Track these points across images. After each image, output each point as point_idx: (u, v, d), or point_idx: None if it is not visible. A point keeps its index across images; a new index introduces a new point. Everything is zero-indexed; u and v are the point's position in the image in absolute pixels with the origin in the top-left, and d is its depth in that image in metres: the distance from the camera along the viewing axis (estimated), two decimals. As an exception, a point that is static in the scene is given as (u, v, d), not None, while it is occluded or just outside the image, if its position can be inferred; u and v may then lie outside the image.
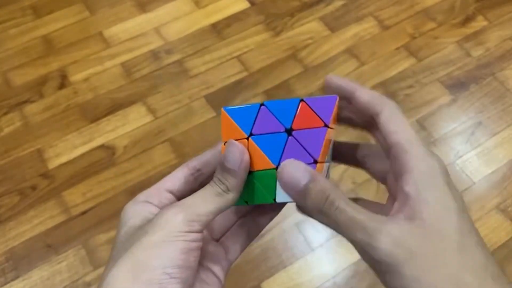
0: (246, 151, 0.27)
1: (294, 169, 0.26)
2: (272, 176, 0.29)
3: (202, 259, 0.29)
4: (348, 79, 0.28)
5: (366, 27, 1.13)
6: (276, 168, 0.29)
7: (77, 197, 0.89)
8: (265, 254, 0.83)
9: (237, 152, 0.27)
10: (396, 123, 0.25)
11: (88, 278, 0.81)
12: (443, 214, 0.23)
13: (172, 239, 0.24)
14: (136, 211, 0.28)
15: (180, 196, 0.30)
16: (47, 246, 0.84)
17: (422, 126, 0.98)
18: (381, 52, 1.08)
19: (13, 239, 0.85)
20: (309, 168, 0.26)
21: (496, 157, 0.94)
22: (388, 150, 0.26)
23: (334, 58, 1.07)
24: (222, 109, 0.29)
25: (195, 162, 0.31)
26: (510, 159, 0.94)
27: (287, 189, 0.26)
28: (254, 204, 0.30)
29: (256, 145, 0.29)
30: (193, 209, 0.26)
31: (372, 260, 0.23)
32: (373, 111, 0.26)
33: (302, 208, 0.27)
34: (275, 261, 0.82)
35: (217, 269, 0.30)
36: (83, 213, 0.87)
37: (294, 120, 0.28)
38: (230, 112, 0.29)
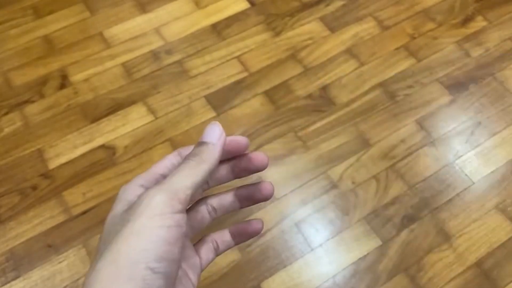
0: (224, 133, 0.29)
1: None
2: None
3: (181, 261, 0.29)
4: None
5: (366, 28, 1.13)
6: None
7: (78, 197, 0.89)
8: (264, 254, 0.83)
9: (217, 129, 0.28)
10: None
11: (88, 278, 0.81)
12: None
13: (153, 224, 0.24)
14: (127, 195, 0.28)
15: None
16: (47, 246, 0.84)
17: (421, 126, 0.98)
18: (380, 52, 1.09)
19: (13, 239, 0.85)
20: None
21: (496, 157, 0.94)
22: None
23: (334, 58, 1.08)
24: None
25: (187, 152, 0.31)
26: (510, 159, 0.94)
27: None
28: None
29: None
30: (170, 187, 0.25)
31: None
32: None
33: None
34: (274, 261, 0.82)
35: (192, 274, 0.29)
36: (84, 213, 0.87)
37: None
38: None
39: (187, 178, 0.26)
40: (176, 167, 0.30)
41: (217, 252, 0.33)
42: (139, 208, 0.24)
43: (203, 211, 0.32)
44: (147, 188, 0.28)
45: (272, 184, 0.32)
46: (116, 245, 0.23)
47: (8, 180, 0.91)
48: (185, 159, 0.28)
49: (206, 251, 0.32)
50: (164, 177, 0.30)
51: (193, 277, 0.29)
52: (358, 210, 0.87)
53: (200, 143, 0.28)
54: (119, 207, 0.27)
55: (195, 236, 0.32)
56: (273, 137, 0.96)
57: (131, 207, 0.25)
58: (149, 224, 0.24)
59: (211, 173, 0.28)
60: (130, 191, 0.28)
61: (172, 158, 0.31)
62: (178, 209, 0.25)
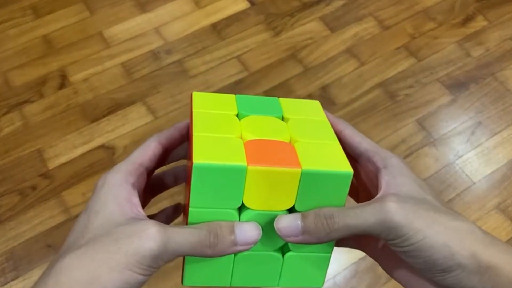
0: (259, 229, 0.26)
1: (283, 220, 0.26)
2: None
3: None
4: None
5: (366, 27, 1.13)
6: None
7: (77, 197, 0.89)
8: (265, 254, 0.83)
9: (255, 235, 0.26)
10: (358, 136, 0.31)
11: (88, 278, 0.81)
12: (418, 188, 0.27)
13: (134, 269, 0.23)
14: (119, 197, 0.26)
15: (149, 170, 0.30)
16: (47, 246, 0.84)
17: (422, 126, 0.98)
18: (381, 52, 1.09)
19: (13, 239, 0.85)
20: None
21: (496, 157, 0.94)
22: (358, 156, 0.31)
23: (334, 58, 1.07)
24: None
25: (164, 140, 0.30)
26: (510, 159, 0.94)
27: (292, 239, 0.26)
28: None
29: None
30: (173, 246, 0.24)
31: (389, 231, 0.25)
32: (336, 129, 0.31)
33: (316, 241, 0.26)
34: (275, 261, 0.82)
35: None
36: (83, 213, 0.87)
37: None
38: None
39: (186, 243, 0.25)
40: (156, 159, 0.30)
41: None
42: (128, 242, 0.24)
43: None
44: (137, 189, 0.27)
45: None
46: (88, 264, 0.23)
47: (8, 180, 0.91)
48: (206, 230, 0.25)
49: None
50: (147, 170, 0.29)
51: None
52: (358, 210, 0.87)
53: (231, 230, 0.26)
54: (110, 207, 0.26)
55: None
56: (273, 137, 0.96)
57: (121, 237, 0.24)
58: (123, 264, 0.23)
59: None
60: (125, 193, 0.27)
61: (154, 148, 0.30)
62: (155, 265, 0.24)
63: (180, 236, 0.25)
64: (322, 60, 1.07)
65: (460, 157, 0.94)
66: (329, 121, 0.31)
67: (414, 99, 1.01)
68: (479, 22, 1.13)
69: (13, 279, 0.81)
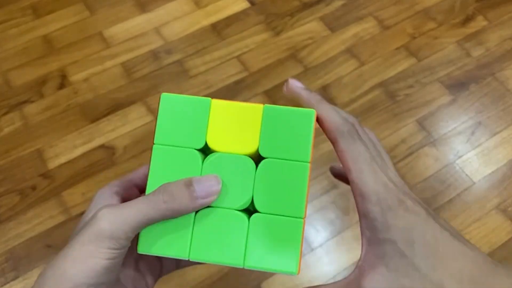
0: (219, 179, 0.25)
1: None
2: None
3: (138, 264, 0.30)
4: (307, 89, 0.28)
5: (366, 27, 1.13)
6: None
7: (77, 197, 0.89)
8: (265, 254, 0.83)
9: (215, 185, 0.25)
10: (349, 157, 0.25)
11: (88, 278, 0.81)
12: (408, 240, 0.24)
13: (88, 253, 0.24)
14: (101, 201, 0.28)
15: (141, 188, 0.31)
16: (47, 246, 0.84)
17: (422, 126, 0.98)
18: (381, 52, 1.08)
19: (13, 239, 0.85)
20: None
21: (496, 157, 0.94)
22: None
23: (334, 58, 1.07)
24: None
25: None
26: (510, 159, 0.94)
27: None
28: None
29: None
30: (119, 218, 0.25)
31: None
32: (331, 138, 0.26)
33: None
34: (275, 261, 0.82)
35: (149, 278, 0.30)
36: (83, 213, 0.87)
37: None
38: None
39: (137, 212, 0.25)
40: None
41: (179, 266, 0.34)
42: (84, 231, 0.25)
43: None
44: (122, 197, 0.29)
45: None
46: (58, 260, 0.25)
47: (8, 180, 0.91)
48: (157, 191, 0.25)
49: (170, 260, 0.33)
50: (137, 188, 0.30)
51: (150, 280, 0.30)
52: (358, 210, 0.87)
53: (187, 183, 0.25)
54: (90, 212, 0.28)
55: None
56: (273, 137, 0.96)
57: (86, 227, 0.26)
58: (84, 252, 0.24)
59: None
60: (105, 197, 0.28)
61: (145, 169, 0.30)
62: (123, 246, 0.25)
63: (130, 206, 0.25)
64: (322, 60, 1.07)
65: (460, 157, 0.94)
66: (303, 98, 0.28)
67: (414, 99, 1.01)
68: (479, 22, 1.13)
69: (13, 279, 0.81)
